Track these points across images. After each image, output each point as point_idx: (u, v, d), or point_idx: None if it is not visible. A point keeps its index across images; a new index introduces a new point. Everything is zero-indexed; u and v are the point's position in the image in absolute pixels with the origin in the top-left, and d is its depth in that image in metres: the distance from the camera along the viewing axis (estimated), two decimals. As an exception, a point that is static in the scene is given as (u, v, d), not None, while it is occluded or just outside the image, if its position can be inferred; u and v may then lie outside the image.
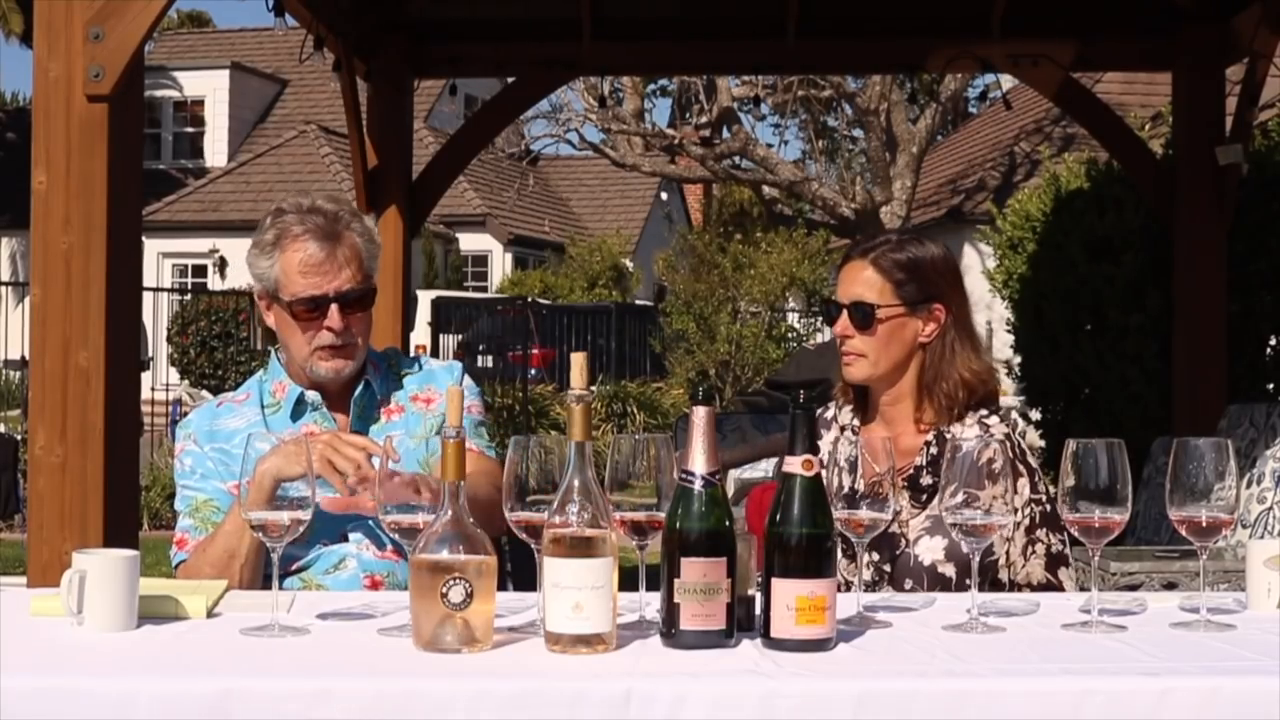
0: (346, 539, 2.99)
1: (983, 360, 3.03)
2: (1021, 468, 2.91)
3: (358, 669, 2.04)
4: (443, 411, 3.09)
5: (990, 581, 2.90)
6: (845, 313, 3.00)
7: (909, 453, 2.97)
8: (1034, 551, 2.92)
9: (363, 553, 2.98)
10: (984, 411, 2.99)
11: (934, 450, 2.96)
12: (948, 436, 2.94)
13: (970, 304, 3.09)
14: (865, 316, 2.98)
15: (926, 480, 2.95)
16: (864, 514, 2.34)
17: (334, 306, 2.99)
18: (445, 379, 3.19)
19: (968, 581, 2.87)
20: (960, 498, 2.32)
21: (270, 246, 3.03)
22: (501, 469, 2.28)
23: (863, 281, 3.00)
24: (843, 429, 3.10)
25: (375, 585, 2.94)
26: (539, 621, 2.17)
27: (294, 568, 2.95)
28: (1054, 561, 2.92)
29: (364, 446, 2.83)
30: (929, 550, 2.91)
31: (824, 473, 3.04)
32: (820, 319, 20.64)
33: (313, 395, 3.09)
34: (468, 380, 3.21)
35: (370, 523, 2.97)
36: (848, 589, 2.95)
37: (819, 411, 3.15)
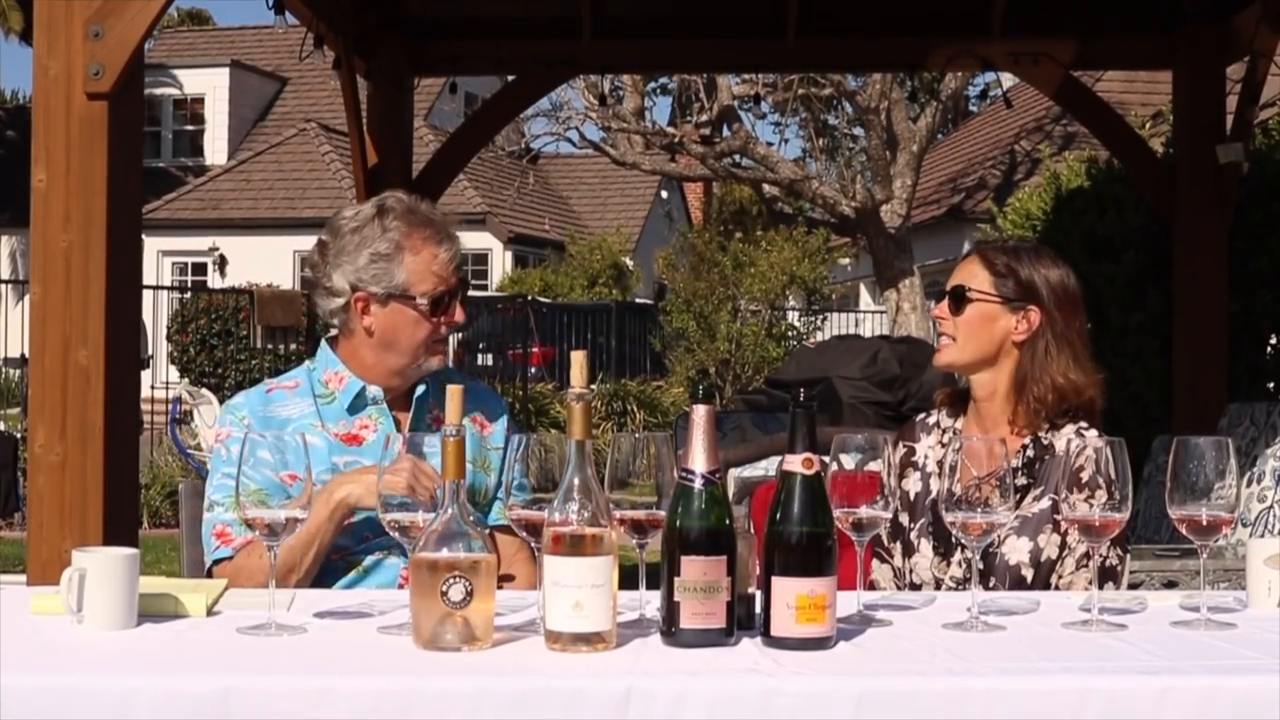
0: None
1: (1084, 373, 3.03)
2: (1100, 479, 2.93)
3: (358, 668, 2.04)
4: (497, 445, 3.16)
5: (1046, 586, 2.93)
6: (945, 297, 3.09)
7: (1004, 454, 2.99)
8: (1085, 564, 2.90)
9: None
10: (1083, 424, 3.02)
11: (1030, 454, 3.00)
12: (1045, 443, 3.00)
13: (1083, 322, 3.10)
14: (958, 300, 3.06)
15: (1020, 481, 2.97)
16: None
17: (457, 302, 3.15)
18: (497, 408, 3.26)
19: (1049, 583, 2.90)
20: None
21: (395, 249, 3.09)
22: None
23: (966, 271, 3.10)
24: (943, 431, 3.14)
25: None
26: (539, 620, 2.17)
27: (336, 558, 2.97)
28: (1103, 576, 2.89)
29: (434, 478, 2.74)
30: (1015, 551, 2.95)
31: (917, 476, 3.08)
32: (819, 317, 20.70)
33: (375, 390, 3.12)
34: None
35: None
36: (937, 587, 2.97)
37: (918, 417, 3.23)
